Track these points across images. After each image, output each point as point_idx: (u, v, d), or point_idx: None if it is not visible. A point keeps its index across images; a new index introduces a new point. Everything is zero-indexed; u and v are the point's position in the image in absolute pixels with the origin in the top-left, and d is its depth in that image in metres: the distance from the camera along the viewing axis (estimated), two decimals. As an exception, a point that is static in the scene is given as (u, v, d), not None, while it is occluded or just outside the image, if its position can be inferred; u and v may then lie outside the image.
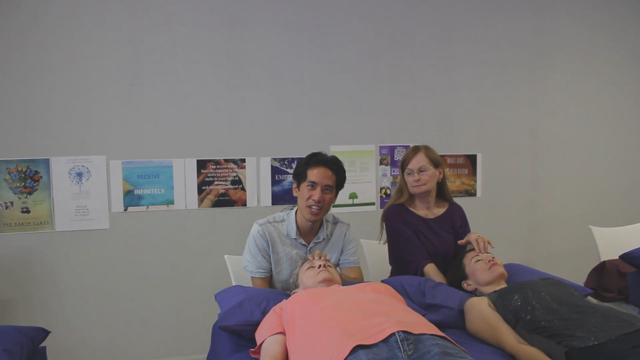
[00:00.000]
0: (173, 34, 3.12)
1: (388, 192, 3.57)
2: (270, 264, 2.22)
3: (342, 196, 2.73)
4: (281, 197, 3.35)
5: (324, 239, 2.27)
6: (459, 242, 2.31)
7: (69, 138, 3.01)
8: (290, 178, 3.32)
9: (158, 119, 3.13)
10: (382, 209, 2.72)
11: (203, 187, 3.23)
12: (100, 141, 3.05)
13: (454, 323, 1.95)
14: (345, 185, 2.27)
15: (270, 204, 3.33)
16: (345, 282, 2.08)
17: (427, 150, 2.38)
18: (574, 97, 3.88)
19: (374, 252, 2.69)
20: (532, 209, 3.85)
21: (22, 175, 2.95)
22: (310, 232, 2.25)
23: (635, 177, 4.03)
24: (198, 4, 3.15)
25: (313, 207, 2.13)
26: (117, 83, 3.05)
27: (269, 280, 2.25)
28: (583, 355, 1.55)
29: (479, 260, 2.11)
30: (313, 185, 2.15)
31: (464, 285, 2.13)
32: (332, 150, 3.39)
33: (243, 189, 3.29)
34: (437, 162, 2.37)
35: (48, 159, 2.98)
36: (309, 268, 2.00)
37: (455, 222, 2.44)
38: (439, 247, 2.37)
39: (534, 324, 1.71)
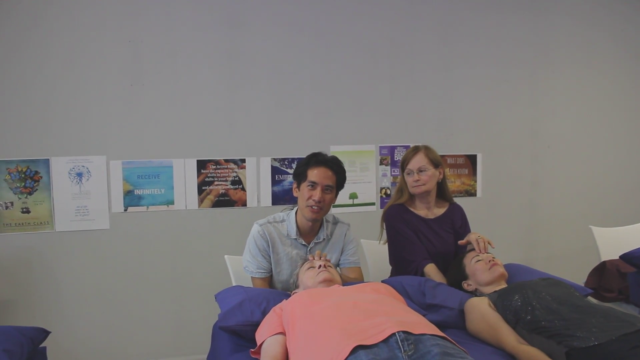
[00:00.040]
0: (173, 34, 3.12)
1: (388, 192, 3.57)
2: (271, 264, 2.22)
3: (342, 196, 2.73)
4: (281, 197, 3.35)
5: (324, 239, 2.27)
6: (459, 242, 2.31)
7: (69, 138, 3.01)
8: (290, 178, 3.31)
9: (158, 119, 3.13)
10: (382, 209, 2.71)
11: (203, 187, 3.22)
12: (101, 141, 3.05)
13: (454, 323, 1.95)
14: (345, 185, 2.27)
15: (271, 204, 3.33)
16: (346, 282, 2.08)
17: (427, 150, 2.38)
18: (574, 96, 3.88)
19: (374, 252, 2.69)
20: (532, 209, 3.84)
21: (22, 176, 2.95)
22: (311, 232, 2.25)
23: (636, 177, 4.03)
24: (198, 4, 3.15)
25: (313, 207, 2.13)
26: (117, 83, 3.05)
27: (269, 280, 2.25)
28: (583, 356, 1.55)
29: (479, 261, 2.10)
30: (313, 185, 2.14)
31: (464, 285, 2.13)
32: (332, 150, 3.39)
33: (243, 189, 3.29)
34: (437, 162, 2.37)
35: (48, 159, 2.98)
36: (309, 268, 2.00)
37: (456, 222, 2.44)
38: (439, 247, 2.37)
39: (535, 324, 1.71)
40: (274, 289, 2.19)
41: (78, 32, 2.98)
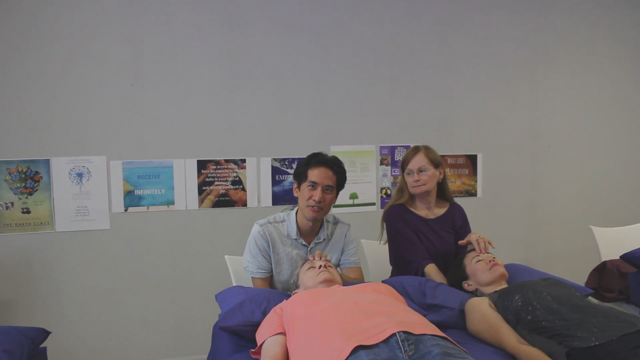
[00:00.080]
0: (173, 34, 3.12)
1: (388, 192, 3.57)
2: (271, 265, 2.22)
3: (343, 196, 2.73)
4: (281, 198, 3.35)
5: (324, 239, 2.27)
6: (460, 242, 2.31)
7: (69, 138, 3.00)
8: (290, 178, 3.31)
9: (158, 120, 3.13)
10: (382, 209, 2.71)
11: (203, 188, 3.22)
12: (101, 141, 3.05)
13: (454, 323, 1.95)
14: (345, 185, 2.27)
15: (271, 204, 3.33)
16: (346, 282, 2.07)
17: (427, 150, 2.37)
18: (574, 96, 3.88)
19: (375, 253, 2.69)
20: (532, 209, 3.84)
21: (23, 176, 2.95)
22: (311, 232, 2.25)
23: (636, 177, 4.03)
24: (198, 4, 3.15)
25: (314, 207, 2.13)
26: (117, 83, 3.05)
27: (270, 280, 2.25)
28: (584, 356, 1.55)
29: (479, 261, 2.10)
30: (314, 185, 2.14)
31: (465, 285, 2.13)
32: (333, 150, 3.39)
33: (243, 189, 3.29)
34: (437, 162, 2.37)
35: (48, 160, 2.98)
36: (309, 268, 2.00)
37: (456, 222, 2.44)
38: (440, 248, 2.37)
39: (535, 324, 1.71)
40: (274, 289, 2.19)
41: (78, 32, 2.98)
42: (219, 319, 1.85)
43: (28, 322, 2.66)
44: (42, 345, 2.02)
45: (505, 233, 3.71)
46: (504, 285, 2.02)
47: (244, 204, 3.30)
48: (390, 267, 2.51)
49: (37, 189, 2.97)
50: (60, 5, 2.95)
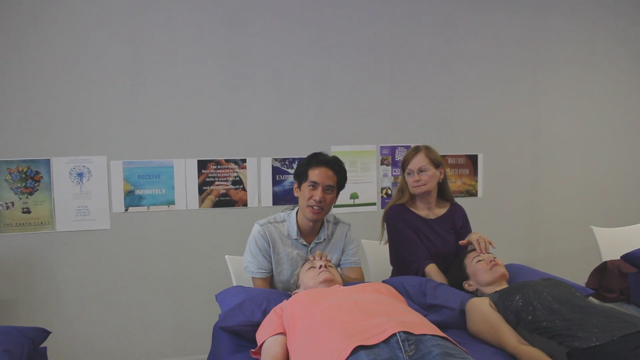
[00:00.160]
0: (174, 34, 3.12)
1: (389, 192, 3.57)
2: (271, 265, 2.22)
3: (343, 196, 2.73)
4: (282, 198, 3.34)
5: (324, 239, 2.27)
6: (460, 242, 2.31)
7: (69, 138, 3.00)
8: (291, 178, 3.31)
9: (159, 119, 3.13)
10: (383, 209, 2.71)
11: (204, 188, 3.22)
12: (101, 141, 3.05)
13: (455, 323, 1.94)
14: (346, 185, 2.27)
15: (271, 204, 3.33)
16: (346, 282, 2.07)
17: (427, 150, 2.37)
18: (575, 96, 3.87)
19: (375, 253, 2.69)
20: (533, 209, 3.84)
21: (23, 176, 2.95)
22: (311, 232, 2.25)
23: (637, 177, 4.03)
24: (199, 4, 3.15)
25: (314, 207, 2.13)
26: (117, 83, 3.05)
27: (270, 280, 2.25)
28: (584, 356, 1.55)
29: (480, 261, 2.10)
30: (314, 185, 2.14)
31: (465, 285, 2.13)
32: (333, 150, 3.39)
33: (244, 189, 3.29)
34: (437, 162, 2.37)
35: (49, 159, 2.98)
36: (309, 268, 2.00)
37: (457, 223, 2.44)
38: (440, 248, 2.37)
39: (536, 325, 1.71)
40: (274, 289, 2.19)
41: (79, 32, 2.98)
42: (219, 319, 1.85)
43: (28, 322, 2.66)
44: (42, 345, 2.01)
45: (505, 233, 3.70)
46: (505, 286, 2.02)
47: (245, 204, 3.29)
48: (390, 267, 2.51)
49: (37, 189, 2.97)
50: (61, 5, 2.95)
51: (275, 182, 3.34)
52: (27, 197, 2.96)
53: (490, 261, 2.08)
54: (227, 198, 3.26)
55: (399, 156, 3.54)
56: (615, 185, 3.97)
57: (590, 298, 2.12)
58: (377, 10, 3.45)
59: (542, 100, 3.81)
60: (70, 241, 3.03)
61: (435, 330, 1.50)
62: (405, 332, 1.41)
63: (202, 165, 3.21)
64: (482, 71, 3.67)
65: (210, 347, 2.11)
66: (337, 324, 1.48)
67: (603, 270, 2.71)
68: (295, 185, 2.24)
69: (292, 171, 3.28)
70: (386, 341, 1.39)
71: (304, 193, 2.17)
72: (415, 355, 1.36)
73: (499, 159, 3.74)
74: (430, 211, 2.42)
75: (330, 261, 2.07)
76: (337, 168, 2.20)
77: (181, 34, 3.13)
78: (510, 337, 1.73)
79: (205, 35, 3.16)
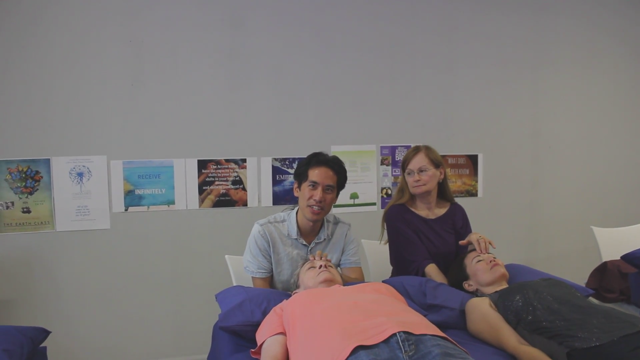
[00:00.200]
0: (174, 33, 3.12)
1: (389, 192, 3.56)
2: (271, 264, 2.22)
3: (343, 196, 2.73)
4: (282, 197, 3.34)
5: (324, 239, 2.27)
6: (460, 242, 2.31)
7: (69, 138, 3.00)
8: (291, 178, 3.31)
9: (159, 119, 3.13)
10: (383, 209, 2.71)
11: (204, 187, 3.22)
12: (101, 141, 3.05)
13: (455, 324, 1.94)
14: (346, 185, 2.27)
15: (271, 204, 3.32)
16: (346, 282, 2.07)
17: (427, 150, 2.37)
18: (575, 96, 3.87)
19: (375, 253, 2.69)
20: (533, 209, 3.84)
21: (23, 175, 2.95)
22: (311, 232, 2.25)
23: (637, 177, 4.03)
24: (199, 3, 3.15)
25: (314, 207, 2.13)
26: (118, 83, 3.05)
27: (270, 280, 2.25)
28: (585, 356, 1.54)
29: (480, 261, 2.10)
30: (314, 185, 2.14)
31: (465, 285, 2.13)
32: (333, 150, 3.39)
33: (244, 189, 3.29)
34: (437, 162, 2.37)
35: (49, 159, 2.98)
36: (309, 268, 2.00)
37: (457, 223, 2.44)
38: (440, 248, 2.36)
39: (536, 325, 1.71)
40: (274, 289, 2.19)
41: (79, 32, 2.98)
42: (219, 318, 1.85)
43: (28, 322, 2.66)
44: (42, 344, 2.02)
45: (505, 233, 3.70)
46: (505, 286, 2.02)
47: (245, 204, 3.29)
48: (390, 267, 2.51)
49: (37, 189, 2.97)
50: (61, 4, 2.95)
51: (275, 182, 3.33)
52: (27, 197, 2.96)
53: (490, 261, 2.08)
54: (227, 198, 3.26)
55: (399, 156, 3.54)
56: (615, 185, 3.97)
57: (590, 298, 2.12)
58: (377, 10, 3.45)
59: (542, 100, 3.80)
60: (70, 241, 3.03)
61: (435, 330, 1.50)
62: (405, 332, 1.41)
63: (202, 165, 3.21)
64: (482, 71, 3.67)
65: (210, 347, 2.11)
66: (337, 324, 1.48)
67: (603, 271, 2.71)
68: (295, 185, 2.24)
69: (292, 171, 3.28)
70: (386, 341, 1.39)
71: (304, 193, 2.17)
72: (415, 355, 1.36)
73: (499, 159, 3.74)
74: (430, 211, 2.42)
75: (330, 261, 2.07)
76: (337, 168, 2.20)
77: (181, 34, 3.13)
78: (510, 337, 1.73)
79: (205, 34, 3.16)
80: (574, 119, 3.88)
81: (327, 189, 2.15)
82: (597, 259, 2.88)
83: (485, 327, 1.82)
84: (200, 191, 3.22)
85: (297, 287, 2.06)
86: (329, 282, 1.91)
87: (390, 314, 1.53)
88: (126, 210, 3.11)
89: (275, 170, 3.33)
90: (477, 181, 3.72)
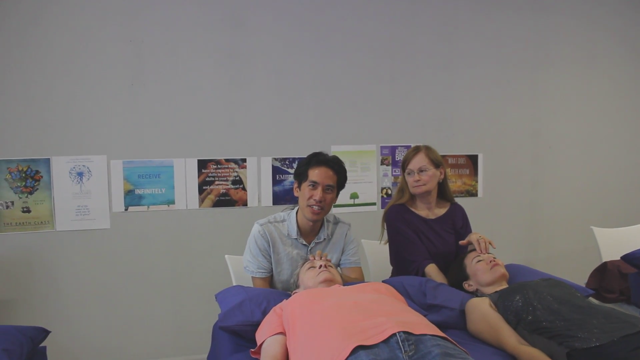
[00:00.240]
0: (174, 33, 3.12)
1: (389, 192, 3.56)
2: (271, 264, 2.22)
3: (343, 196, 2.73)
4: (282, 197, 3.34)
5: (324, 239, 2.27)
6: (460, 242, 2.31)
7: (69, 138, 3.00)
8: (291, 178, 3.31)
9: (159, 119, 3.13)
10: (383, 209, 2.71)
11: (204, 187, 3.22)
12: (101, 141, 3.05)
13: (455, 324, 1.94)
14: (346, 185, 2.27)
15: (271, 204, 3.32)
16: (346, 282, 2.07)
17: (427, 150, 2.37)
18: (576, 96, 3.87)
19: (375, 252, 2.69)
20: (533, 210, 3.84)
21: (23, 175, 2.95)
22: (311, 232, 2.25)
23: (638, 177, 4.03)
24: (199, 3, 3.15)
25: (314, 206, 2.13)
26: (118, 83, 3.05)
27: (270, 280, 2.25)
28: (585, 357, 1.54)
29: (480, 261, 2.10)
30: (314, 185, 2.14)
31: (465, 285, 2.13)
32: (333, 150, 3.38)
33: (244, 188, 3.29)
34: (437, 162, 2.36)
35: (49, 159, 2.98)
36: (309, 268, 2.00)
37: (457, 223, 2.44)
38: (440, 248, 2.36)
39: (536, 325, 1.71)
40: (274, 289, 2.19)
41: (79, 32, 2.98)
42: (219, 318, 1.85)
43: (28, 322, 2.67)
44: (42, 344, 2.02)
45: (505, 233, 3.70)
46: (505, 286, 2.02)
47: (245, 204, 3.29)
48: (390, 267, 2.51)
49: (37, 188, 2.97)
50: (61, 4, 2.95)
51: (275, 182, 3.33)
52: (27, 197, 2.96)
53: (490, 261, 2.08)
54: (227, 198, 3.26)
55: (399, 156, 3.54)
56: (615, 185, 3.97)
57: (590, 298, 2.12)
58: (377, 10, 3.45)
59: (543, 101, 3.80)
60: (70, 241, 3.03)
61: (435, 330, 1.50)
62: (405, 332, 1.41)
63: (202, 164, 3.21)
64: (482, 71, 3.67)
65: (210, 346, 2.11)
66: (337, 323, 1.48)
67: (603, 271, 2.71)
68: (295, 185, 2.24)
69: (292, 171, 3.28)
70: (386, 341, 1.39)
71: (304, 193, 2.17)
72: (415, 355, 1.36)
73: (499, 159, 3.74)
74: (430, 211, 2.42)
75: (330, 261, 2.07)
76: (337, 168, 2.20)
77: (181, 34, 3.13)
78: (510, 338, 1.73)
79: (205, 34, 3.16)
80: (574, 119, 3.88)
81: (327, 188, 2.15)
82: (597, 259, 2.88)
83: (485, 327, 1.82)
84: (200, 191, 3.22)
85: (297, 287, 2.06)
86: (329, 282, 1.91)
87: (390, 314, 1.53)
88: (126, 210, 3.11)
89: (275, 170, 3.33)
90: (477, 181, 3.72)
